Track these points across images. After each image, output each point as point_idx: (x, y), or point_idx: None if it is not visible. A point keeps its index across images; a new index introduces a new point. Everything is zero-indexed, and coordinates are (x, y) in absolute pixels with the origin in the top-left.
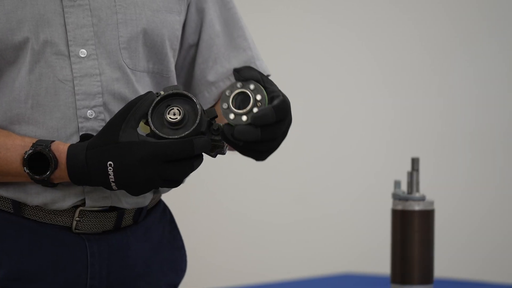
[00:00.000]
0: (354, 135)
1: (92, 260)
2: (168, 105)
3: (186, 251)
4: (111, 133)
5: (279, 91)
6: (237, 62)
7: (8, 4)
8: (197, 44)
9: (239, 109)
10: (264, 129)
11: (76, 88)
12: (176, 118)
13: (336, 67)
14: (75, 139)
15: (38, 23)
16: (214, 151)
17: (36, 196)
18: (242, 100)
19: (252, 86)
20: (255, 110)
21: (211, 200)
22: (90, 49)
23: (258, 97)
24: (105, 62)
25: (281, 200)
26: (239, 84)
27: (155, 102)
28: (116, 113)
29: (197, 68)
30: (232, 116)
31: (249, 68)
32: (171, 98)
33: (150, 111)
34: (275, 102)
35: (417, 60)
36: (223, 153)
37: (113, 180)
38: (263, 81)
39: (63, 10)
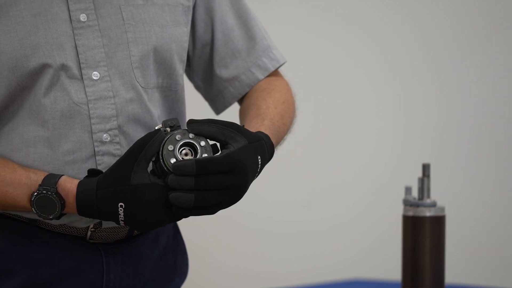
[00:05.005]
0: (365, 141)
1: (108, 268)
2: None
3: (188, 254)
4: (121, 174)
5: (249, 140)
6: (256, 52)
7: (21, 30)
8: (211, 43)
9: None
10: (198, 181)
11: (91, 111)
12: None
13: (345, 71)
14: (91, 163)
15: (53, 47)
16: None
17: (55, 220)
18: (189, 151)
19: (203, 143)
20: None
21: None
22: (103, 70)
23: (205, 155)
24: (118, 83)
25: (288, 205)
26: (191, 135)
27: (165, 141)
28: (126, 152)
29: (216, 66)
30: (173, 160)
31: (208, 124)
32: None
33: (162, 152)
34: (207, 156)
35: (427, 66)
36: None
37: (122, 219)
38: (225, 136)
39: (73, 32)
